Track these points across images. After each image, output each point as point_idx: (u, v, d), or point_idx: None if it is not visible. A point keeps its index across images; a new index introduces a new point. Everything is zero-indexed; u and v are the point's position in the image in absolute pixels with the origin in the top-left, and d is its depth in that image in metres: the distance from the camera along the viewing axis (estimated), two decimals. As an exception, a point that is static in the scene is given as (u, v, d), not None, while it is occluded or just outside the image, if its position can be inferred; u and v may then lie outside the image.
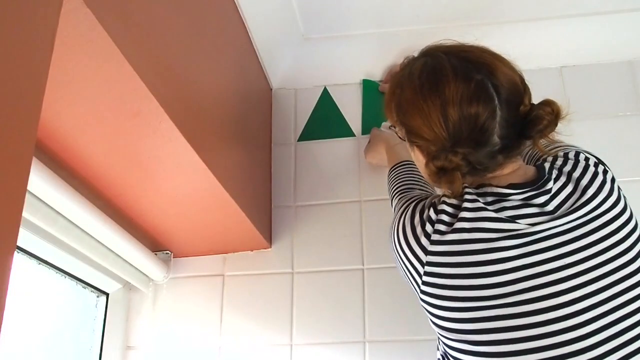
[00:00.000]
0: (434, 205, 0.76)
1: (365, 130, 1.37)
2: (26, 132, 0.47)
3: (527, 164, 0.86)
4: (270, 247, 1.30)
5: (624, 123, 1.31)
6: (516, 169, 0.76)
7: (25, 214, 0.88)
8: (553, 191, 0.72)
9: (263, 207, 1.29)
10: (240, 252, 1.31)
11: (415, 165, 1.01)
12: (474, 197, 0.73)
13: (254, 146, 1.28)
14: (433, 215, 0.75)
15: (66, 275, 1.13)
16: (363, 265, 1.26)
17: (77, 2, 0.58)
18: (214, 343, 1.24)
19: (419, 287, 0.74)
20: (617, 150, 1.27)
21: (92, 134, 0.87)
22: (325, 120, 1.40)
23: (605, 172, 0.76)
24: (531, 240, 0.70)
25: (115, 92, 0.75)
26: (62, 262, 1.09)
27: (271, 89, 1.44)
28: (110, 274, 1.21)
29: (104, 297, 1.27)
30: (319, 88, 1.43)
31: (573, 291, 0.67)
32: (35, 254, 1.03)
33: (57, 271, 1.11)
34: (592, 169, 0.75)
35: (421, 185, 0.97)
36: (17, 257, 0.99)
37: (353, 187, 1.33)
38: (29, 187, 0.76)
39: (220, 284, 1.29)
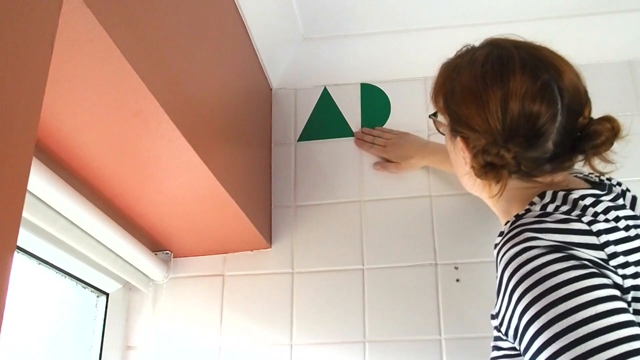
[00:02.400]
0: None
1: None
2: (26, 132, 0.47)
3: None
4: (270, 247, 1.30)
5: (624, 123, 1.31)
6: (565, 179, 0.74)
7: (25, 214, 0.88)
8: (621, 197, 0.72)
9: (263, 207, 1.29)
10: (240, 252, 1.31)
11: None
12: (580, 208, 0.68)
13: (254, 146, 1.28)
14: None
15: (66, 275, 1.13)
16: (363, 265, 1.26)
17: (77, 2, 0.58)
18: (214, 343, 1.24)
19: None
20: (617, 150, 1.27)
21: (92, 134, 0.87)
22: (325, 120, 1.40)
23: None
24: None
25: (115, 92, 0.75)
26: (62, 262, 1.09)
27: (271, 89, 1.44)
28: (110, 274, 1.21)
29: (104, 297, 1.27)
30: (319, 88, 1.43)
31: None
32: (35, 254, 1.03)
33: (57, 271, 1.11)
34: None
35: None
36: (17, 257, 0.99)
37: (353, 187, 1.33)
38: (29, 187, 0.76)
39: (220, 284, 1.29)
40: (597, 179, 0.78)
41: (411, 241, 1.25)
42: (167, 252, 1.30)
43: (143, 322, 1.27)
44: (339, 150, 1.37)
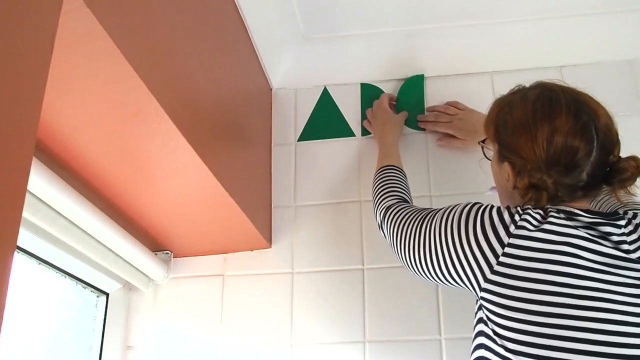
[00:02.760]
0: (514, 209, 0.80)
1: (365, 131, 1.37)
2: (26, 132, 0.47)
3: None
4: (270, 247, 1.30)
5: (624, 123, 1.30)
6: (588, 207, 0.83)
7: (25, 214, 0.88)
8: (622, 230, 0.77)
9: (263, 207, 1.30)
10: (240, 252, 1.31)
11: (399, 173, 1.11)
12: (557, 213, 0.79)
13: (254, 146, 1.28)
14: (517, 216, 0.79)
15: (66, 275, 1.13)
16: (363, 265, 1.26)
17: (77, 2, 0.58)
18: (214, 343, 1.24)
19: (490, 267, 0.77)
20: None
21: (92, 134, 0.87)
22: (325, 120, 1.40)
23: None
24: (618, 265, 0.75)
25: (115, 92, 0.75)
26: (62, 262, 1.09)
27: (271, 89, 1.44)
28: (110, 274, 1.21)
29: (104, 297, 1.27)
30: (319, 88, 1.43)
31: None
32: (35, 254, 1.03)
33: (57, 271, 1.11)
34: None
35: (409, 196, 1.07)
36: (17, 257, 0.99)
37: (353, 187, 1.33)
38: (29, 187, 0.76)
39: (220, 284, 1.29)
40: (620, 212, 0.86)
41: (411, 241, 1.25)
42: (167, 252, 1.31)
43: (143, 322, 1.27)
44: (339, 150, 1.37)
